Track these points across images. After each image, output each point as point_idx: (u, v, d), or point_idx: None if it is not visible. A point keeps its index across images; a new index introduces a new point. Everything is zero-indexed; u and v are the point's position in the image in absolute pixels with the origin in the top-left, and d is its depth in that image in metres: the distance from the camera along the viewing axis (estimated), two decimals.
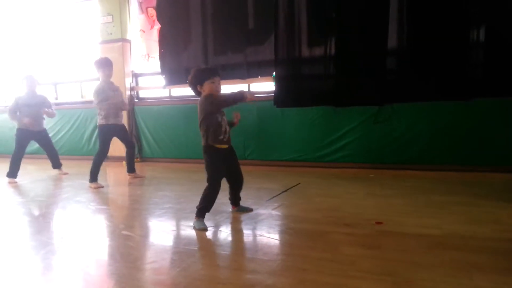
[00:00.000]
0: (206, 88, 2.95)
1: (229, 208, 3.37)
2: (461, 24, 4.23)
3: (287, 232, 2.81)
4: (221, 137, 2.98)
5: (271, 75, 5.23)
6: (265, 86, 5.55)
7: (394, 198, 3.50)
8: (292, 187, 4.10)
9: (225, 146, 3.03)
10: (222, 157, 3.01)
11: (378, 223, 2.82)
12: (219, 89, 3.01)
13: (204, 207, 2.96)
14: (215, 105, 2.92)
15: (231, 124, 3.12)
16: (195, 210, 2.97)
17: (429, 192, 3.67)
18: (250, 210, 3.33)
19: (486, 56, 4.23)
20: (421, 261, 2.17)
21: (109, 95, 4.54)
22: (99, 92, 4.53)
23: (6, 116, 7.45)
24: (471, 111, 4.41)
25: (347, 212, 3.14)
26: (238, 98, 2.90)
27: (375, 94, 4.57)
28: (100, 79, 4.63)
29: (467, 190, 3.70)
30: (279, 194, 3.83)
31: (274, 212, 3.25)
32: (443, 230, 2.64)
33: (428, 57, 4.36)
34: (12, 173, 5.15)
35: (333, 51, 4.73)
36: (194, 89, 3.02)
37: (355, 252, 2.33)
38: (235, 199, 3.31)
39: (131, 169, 5.05)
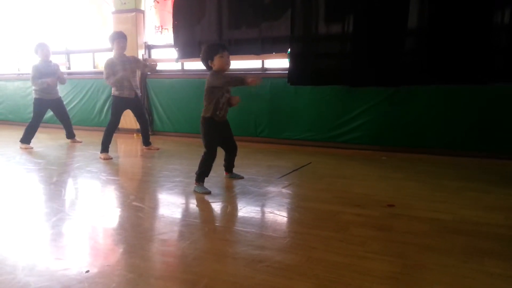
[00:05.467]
0: (216, 62, 3.15)
1: (240, 185, 3.41)
2: (484, 6, 4.08)
3: (297, 211, 2.80)
4: (217, 112, 3.21)
5: (286, 51, 5.14)
6: (279, 62, 5.46)
7: (407, 182, 3.46)
8: (303, 166, 4.08)
9: (220, 120, 3.26)
10: (218, 128, 3.26)
11: (390, 205, 2.79)
12: (229, 62, 3.21)
13: (203, 172, 3.23)
14: (220, 79, 3.11)
15: (228, 104, 3.29)
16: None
17: (442, 177, 3.62)
18: (241, 177, 3.58)
19: (508, 40, 4.09)
20: (432, 245, 2.14)
21: (117, 69, 4.51)
22: (106, 67, 4.52)
23: (19, 84, 7.60)
24: (488, 96, 4.31)
25: (358, 193, 3.12)
26: (239, 81, 3.09)
27: (392, 75, 4.47)
28: (113, 52, 4.60)
29: (481, 176, 3.65)
30: (290, 172, 3.82)
31: (284, 190, 3.24)
32: (455, 215, 2.61)
33: (448, 39, 4.23)
34: (26, 139, 5.22)
35: (351, 29, 4.62)
36: (206, 65, 3.23)
37: (366, 233, 2.31)
38: (228, 166, 3.59)
39: (146, 143, 5.07)
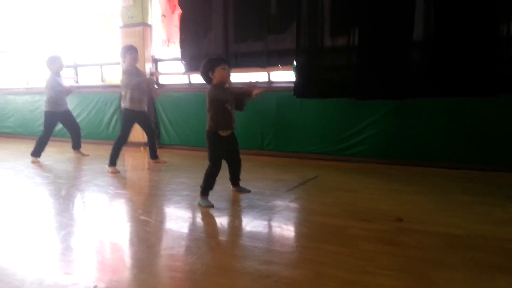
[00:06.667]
0: (217, 74, 3.19)
1: (247, 199, 3.40)
2: (490, 18, 4.08)
3: (304, 225, 2.79)
4: (232, 124, 3.26)
5: (291, 64, 5.16)
6: (285, 75, 5.49)
7: (415, 195, 3.44)
8: (310, 179, 4.07)
9: (229, 133, 3.27)
10: (223, 142, 3.26)
11: (398, 219, 2.77)
12: (229, 75, 3.27)
13: (207, 186, 3.25)
14: (223, 93, 3.15)
15: (247, 95, 3.29)
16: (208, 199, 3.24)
17: (451, 190, 3.59)
18: (248, 191, 3.57)
19: None
20: (442, 260, 2.12)
21: (133, 80, 4.55)
22: (127, 74, 4.53)
23: (28, 98, 7.68)
24: (497, 108, 4.28)
25: (365, 207, 3.10)
26: (241, 93, 3.20)
27: (398, 87, 4.47)
28: (126, 64, 4.64)
29: (491, 190, 3.61)
30: (297, 186, 3.81)
31: (291, 204, 3.23)
32: (466, 229, 2.58)
33: (454, 51, 4.23)
34: (37, 152, 5.28)
35: (356, 41, 4.64)
36: (206, 76, 3.26)
37: (374, 248, 2.30)
38: (234, 180, 3.58)
39: (153, 156, 5.09)
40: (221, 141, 3.25)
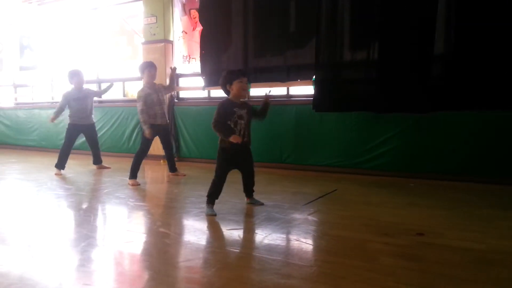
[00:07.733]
0: (234, 87, 3.25)
1: (266, 212, 3.39)
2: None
3: (323, 239, 2.76)
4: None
5: (311, 78, 5.17)
6: (304, 89, 5.50)
7: (436, 209, 3.37)
8: (329, 193, 4.04)
9: (237, 147, 3.22)
10: (231, 156, 3.29)
11: (419, 234, 2.71)
12: (246, 88, 3.36)
13: (212, 193, 3.31)
14: (216, 115, 3.22)
15: (265, 107, 3.40)
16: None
17: (473, 204, 3.51)
18: (261, 204, 3.54)
19: None
20: (465, 276, 2.07)
21: (152, 97, 4.63)
22: (142, 99, 4.58)
23: (52, 112, 7.86)
24: None
25: (386, 221, 3.05)
26: (224, 133, 3.20)
27: (419, 101, 4.42)
28: (144, 81, 4.73)
29: None
30: (316, 199, 3.78)
31: (310, 218, 3.20)
32: (488, 245, 2.51)
33: (476, 64, 4.17)
34: (60, 164, 5.40)
35: (376, 55, 4.62)
36: (224, 89, 3.33)
37: (395, 263, 2.25)
38: (246, 191, 3.56)
39: (172, 169, 5.14)
40: (228, 155, 3.29)
